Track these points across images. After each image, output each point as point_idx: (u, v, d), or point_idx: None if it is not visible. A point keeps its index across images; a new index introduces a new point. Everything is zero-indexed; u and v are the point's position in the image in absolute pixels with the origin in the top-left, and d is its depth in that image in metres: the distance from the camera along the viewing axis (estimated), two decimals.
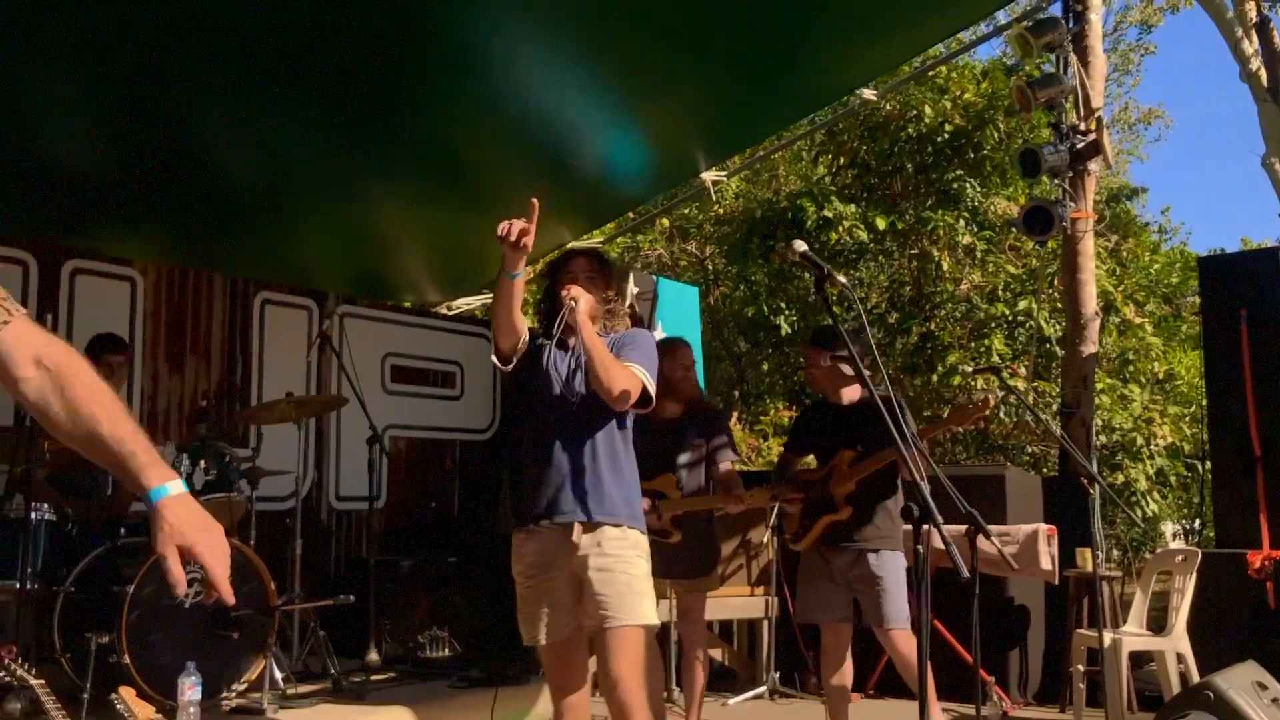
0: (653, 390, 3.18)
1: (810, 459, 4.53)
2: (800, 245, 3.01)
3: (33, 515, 4.33)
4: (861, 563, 4.14)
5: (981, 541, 2.92)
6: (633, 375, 3.11)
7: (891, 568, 4.14)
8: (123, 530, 4.69)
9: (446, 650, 5.64)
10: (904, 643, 4.08)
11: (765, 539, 6.09)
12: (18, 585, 4.24)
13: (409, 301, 8.31)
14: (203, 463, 4.63)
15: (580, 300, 3.13)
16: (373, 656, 5.19)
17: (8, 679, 3.88)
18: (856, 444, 4.20)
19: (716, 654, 6.23)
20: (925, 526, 2.66)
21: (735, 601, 6.08)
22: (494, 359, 3.19)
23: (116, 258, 5.95)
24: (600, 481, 3.12)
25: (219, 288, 6.56)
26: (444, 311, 8.46)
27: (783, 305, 11.02)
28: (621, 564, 3.07)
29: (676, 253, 13.97)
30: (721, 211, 12.86)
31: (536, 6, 4.71)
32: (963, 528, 2.89)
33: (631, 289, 7.71)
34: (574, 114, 5.87)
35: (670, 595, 4.75)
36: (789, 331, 10.83)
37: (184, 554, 1.53)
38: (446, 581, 6.01)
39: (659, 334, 7.79)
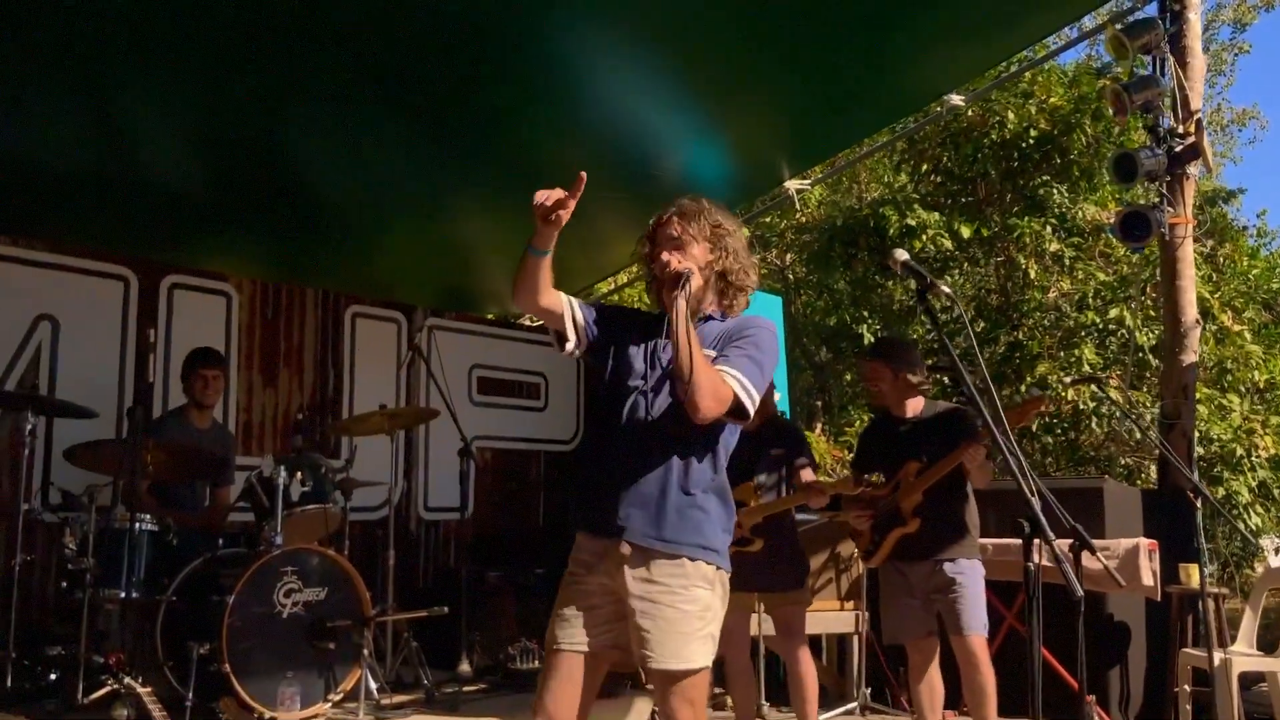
0: (751, 404, 2.63)
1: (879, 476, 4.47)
2: (902, 254, 2.97)
3: (135, 526, 4.43)
4: (938, 573, 4.10)
5: (1085, 557, 2.85)
6: (723, 386, 2.59)
7: (969, 575, 4.08)
8: (220, 541, 4.78)
9: (536, 662, 5.64)
10: (982, 650, 4.01)
11: (854, 553, 6.00)
12: (122, 594, 4.34)
13: (492, 313, 8.37)
14: (299, 474, 4.70)
15: (692, 278, 2.66)
16: (464, 667, 5.22)
17: (116, 686, 3.99)
18: (921, 455, 4.15)
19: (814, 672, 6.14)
20: (1035, 541, 2.60)
21: (824, 616, 5.99)
22: (554, 339, 2.76)
23: (212, 272, 6.09)
24: (667, 502, 2.64)
25: (311, 301, 6.67)
26: (526, 323, 8.51)
27: (865, 314, 10.89)
28: (670, 595, 2.62)
29: (756, 262, 13.88)
30: (803, 220, 12.76)
31: (622, 20, 4.71)
32: (1063, 542, 2.81)
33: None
34: (658, 124, 5.87)
35: (759, 608, 4.70)
36: (872, 341, 10.70)
37: None
38: (534, 593, 6.02)
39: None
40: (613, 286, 9.76)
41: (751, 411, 2.65)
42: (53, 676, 4.40)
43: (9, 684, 4.22)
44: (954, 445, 4.01)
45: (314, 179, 5.64)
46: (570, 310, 2.74)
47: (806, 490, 4.33)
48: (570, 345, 2.74)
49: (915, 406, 4.30)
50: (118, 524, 4.43)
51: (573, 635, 2.65)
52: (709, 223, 2.82)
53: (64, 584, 4.47)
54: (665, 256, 2.73)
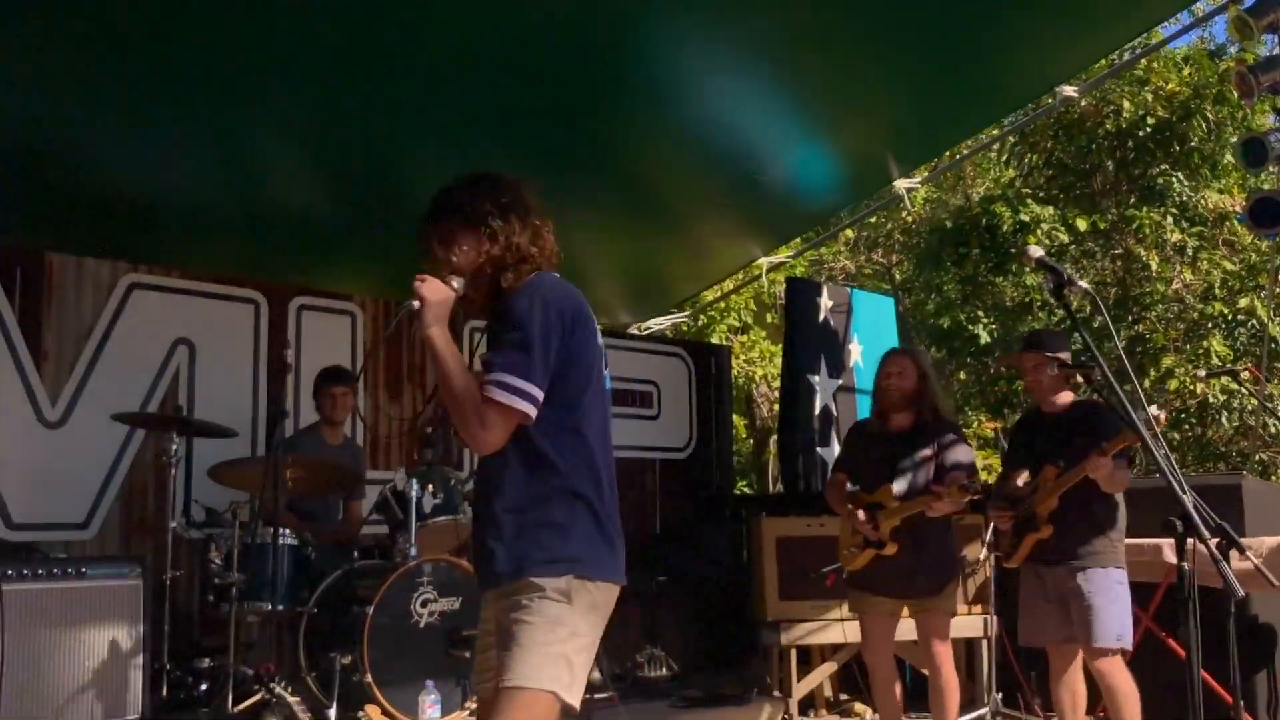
0: (523, 402, 2.33)
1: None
2: (1037, 250, 2.92)
3: (278, 540, 4.58)
4: (1071, 579, 4.01)
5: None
6: (485, 407, 2.32)
7: (1102, 585, 3.97)
8: (356, 553, 4.92)
9: (664, 669, 5.67)
10: (1109, 666, 3.89)
11: (981, 556, 5.89)
12: (267, 606, 4.49)
13: (601, 323, 8.43)
14: (430, 486, 4.81)
15: (429, 295, 2.37)
16: (595, 675, 5.25)
17: (266, 695, 4.13)
18: (1059, 459, 4.05)
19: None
20: (1190, 542, 2.53)
21: (954, 621, 5.89)
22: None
23: (338, 293, 6.26)
24: (503, 531, 2.41)
25: None
26: (635, 332, 8.57)
27: (979, 313, 10.70)
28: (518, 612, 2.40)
29: (861, 263, 13.75)
30: (910, 220, 12.61)
31: (725, 28, 4.72)
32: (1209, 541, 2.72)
33: (825, 302, 7.64)
34: (762, 130, 5.87)
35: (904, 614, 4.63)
36: (988, 340, 10.50)
37: None
38: (657, 600, 6.04)
39: (856, 349, 7.69)
40: (718, 294, 9.77)
41: (529, 408, 2.33)
42: (203, 687, 4.58)
43: (164, 694, 4.39)
44: (1094, 447, 3.92)
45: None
46: None
47: (926, 498, 4.24)
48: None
49: (1064, 400, 4.20)
50: (260, 540, 4.58)
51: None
52: (461, 215, 2.53)
53: (210, 598, 4.65)
54: (415, 283, 2.41)
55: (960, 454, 4.31)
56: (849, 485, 4.55)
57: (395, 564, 4.52)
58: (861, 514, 4.35)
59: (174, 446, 4.68)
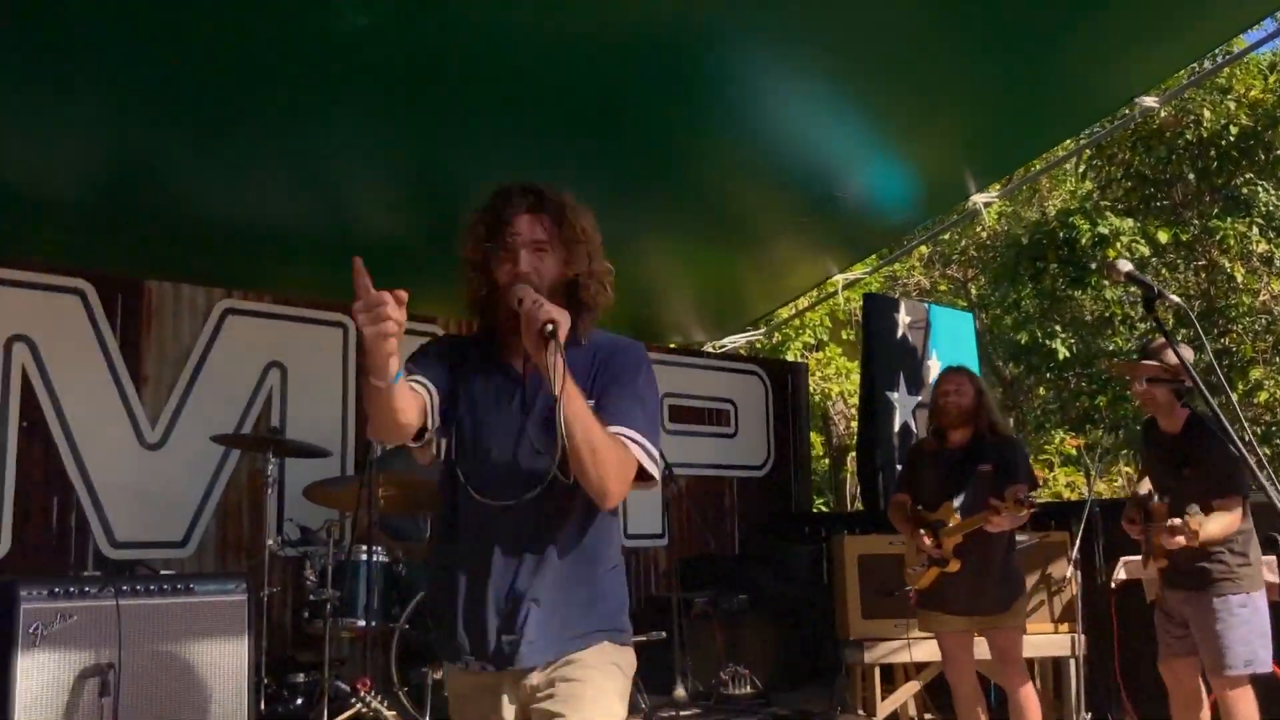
0: (657, 470, 2.11)
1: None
2: (1125, 264, 2.89)
3: (372, 557, 4.69)
4: (1192, 602, 3.90)
5: None
6: (628, 460, 2.05)
7: (1225, 610, 3.82)
8: None
9: (748, 687, 5.68)
10: (1232, 693, 3.80)
11: (1067, 573, 5.81)
12: (360, 623, 4.60)
13: (674, 342, 8.50)
14: None
15: (560, 322, 1.97)
16: (680, 692, 5.29)
17: (362, 709, 4.23)
18: (1168, 490, 3.99)
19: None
20: None
21: (1038, 639, 5.82)
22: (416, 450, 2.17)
23: (422, 315, 6.40)
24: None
25: None
26: (710, 349, 8.61)
27: (1058, 328, 10.56)
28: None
29: (936, 279, 13.65)
30: (985, 235, 12.50)
31: (799, 45, 4.76)
32: None
33: (903, 318, 7.62)
34: (838, 147, 5.89)
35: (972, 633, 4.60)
36: (1067, 355, 10.36)
37: None
38: (739, 618, 6.06)
39: (934, 365, 7.64)
40: (793, 311, 9.77)
41: (658, 477, 2.13)
42: (298, 701, 4.69)
43: (262, 708, 4.51)
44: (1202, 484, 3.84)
45: None
46: (428, 395, 2.12)
47: (986, 512, 4.15)
48: (437, 456, 2.19)
49: (1179, 418, 4.02)
50: (353, 557, 4.69)
51: None
52: (579, 226, 2.22)
53: (305, 614, 4.78)
54: (527, 267, 2.13)
55: (1020, 468, 4.28)
56: (911, 505, 4.56)
57: None
58: (923, 533, 4.36)
59: (269, 466, 4.82)
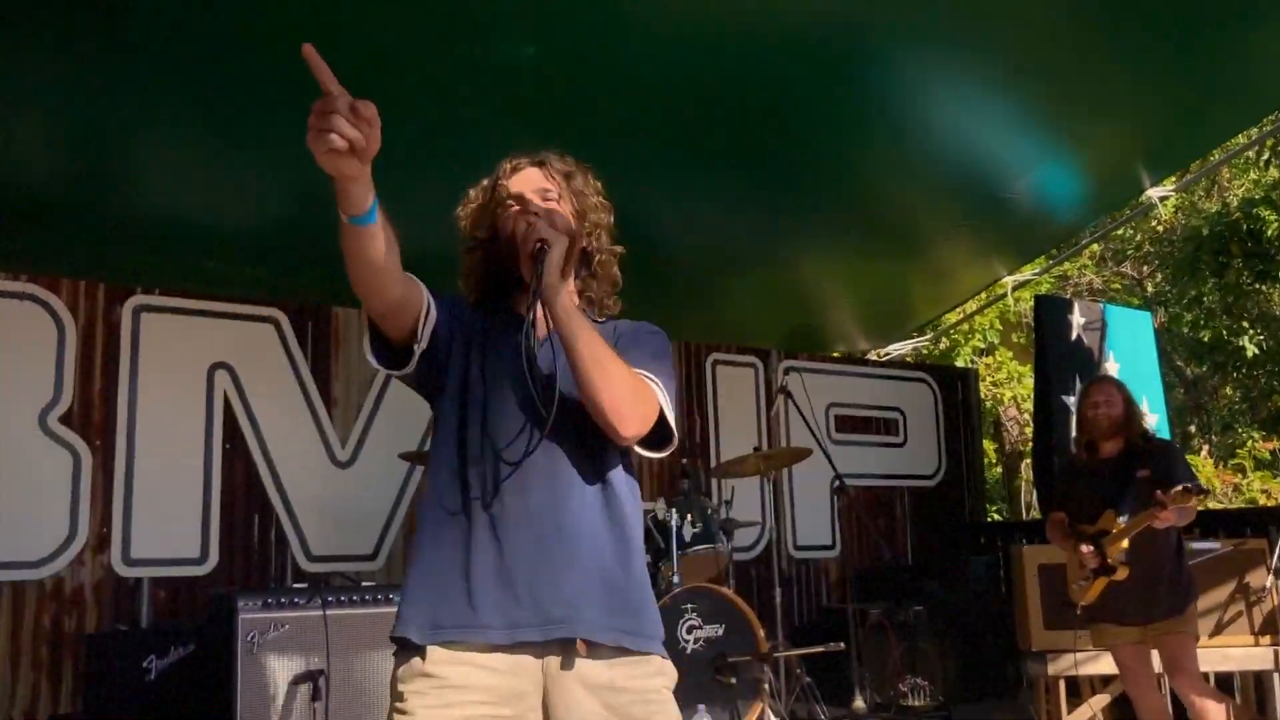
0: (675, 425, 1.91)
1: None
2: None
3: None
4: None
5: None
6: (644, 387, 1.85)
7: None
8: None
9: (927, 699, 5.60)
10: None
11: (1267, 583, 5.54)
12: None
13: (838, 351, 8.45)
14: (689, 516, 4.96)
15: (554, 245, 1.83)
16: (859, 704, 5.27)
17: None
18: None
19: (1220, 710, 5.71)
20: None
21: (1236, 652, 5.56)
22: (370, 356, 1.89)
23: None
24: (609, 572, 1.84)
25: (676, 353, 7.01)
26: (874, 358, 8.52)
27: (1245, 324, 10.03)
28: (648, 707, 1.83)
29: (1108, 277, 13.14)
30: (1161, 229, 11.97)
31: (960, 45, 4.69)
32: None
33: (1077, 319, 7.39)
34: (1005, 147, 5.77)
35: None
36: (1256, 353, 9.83)
37: None
38: (915, 629, 5.98)
39: (1113, 366, 7.38)
40: (961, 315, 9.58)
41: (675, 438, 1.91)
42: None
43: None
44: None
45: (666, 239, 5.97)
46: (428, 306, 1.88)
47: (1151, 509, 3.98)
48: (408, 368, 1.90)
49: None
50: None
51: None
52: (590, 182, 2.05)
53: None
54: (538, 206, 1.94)
55: (1179, 469, 4.16)
56: (1068, 522, 4.47)
57: (661, 591, 4.69)
58: (1085, 546, 4.25)
59: None
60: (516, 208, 1.96)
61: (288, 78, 4.16)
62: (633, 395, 1.81)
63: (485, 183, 2.06)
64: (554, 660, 1.79)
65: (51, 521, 5.00)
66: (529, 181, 1.99)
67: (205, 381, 5.47)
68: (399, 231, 1.72)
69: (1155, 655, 4.39)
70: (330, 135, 1.46)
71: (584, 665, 1.78)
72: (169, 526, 5.26)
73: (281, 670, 3.76)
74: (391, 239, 1.69)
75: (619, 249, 2.08)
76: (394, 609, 3.96)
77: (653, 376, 1.88)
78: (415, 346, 1.86)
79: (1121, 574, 4.15)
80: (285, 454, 5.61)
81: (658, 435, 1.88)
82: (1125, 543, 4.14)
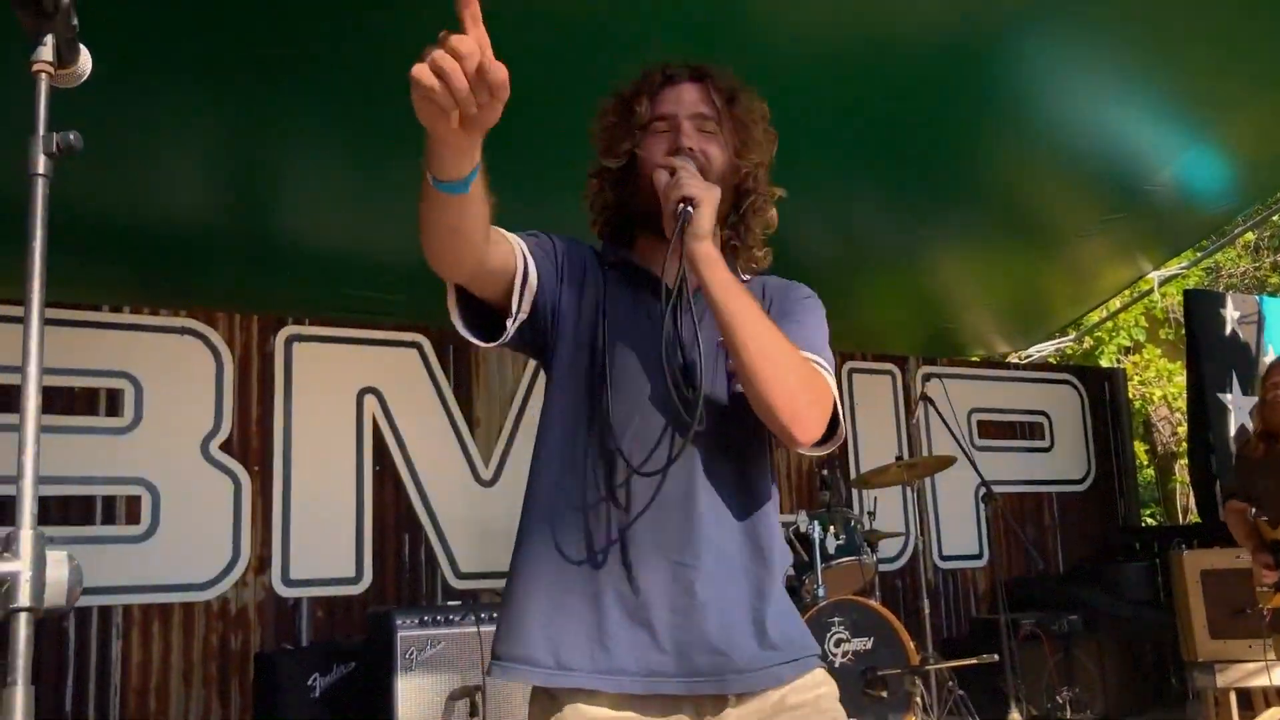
0: (840, 415, 1.58)
1: None
2: None
3: None
4: None
5: None
6: (823, 381, 1.56)
7: None
8: None
9: (1087, 712, 5.42)
10: None
11: None
12: None
13: (977, 355, 8.26)
14: (832, 527, 4.91)
15: (702, 204, 1.49)
16: (1015, 717, 5.11)
17: None
18: None
19: None
20: None
21: None
22: (460, 327, 1.57)
23: None
24: (755, 603, 1.55)
25: None
26: (1016, 360, 8.30)
27: None
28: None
29: (1264, 268, 12.53)
30: None
31: (1096, 31, 4.54)
32: None
33: (1230, 313, 7.07)
34: (1146, 137, 5.57)
35: None
36: None
37: None
38: (1071, 640, 5.79)
39: (1271, 361, 7.04)
40: (1105, 314, 9.26)
41: (843, 430, 1.60)
42: None
43: None
44: None
45: (802, 246, 5.93)
46: (525, 270, 1.56)
47: None
48: (503, 338, 1.59)
49: None
50: None
51: None
52: (756, 110, 1.67)
53: None
54: (692, 143, 1.60)
55: None
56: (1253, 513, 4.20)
57: (806, 605, 4.65)
58: (1265, 560, 4.01)
59: None
60: (665, 132, 1.60)
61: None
62: (809, 391, 1.50)
63: (626, 90, 1.67)
64: (693, 711, 1.51)
65: (216, 545, 5.24)
66: (684, 102, 1.61)
67: (355, 406, 5.66)
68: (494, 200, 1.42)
69: None
70: (434, 83, 1.13)
71: (733, 714, 1.52)
72: (324, 547, 5.46)
73: (439, 686, 3.87)
74: (484, 211, 1.39)
75: (778, 190, 1.71)
76: None
77: (821, 361, 1.58)
78: (509, 322, 1.55)
79: None
80: (432, 474, 5.77)
81: (828, 431, 1.55)
82: None
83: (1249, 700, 5.38)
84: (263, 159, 4.63)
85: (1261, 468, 4.23)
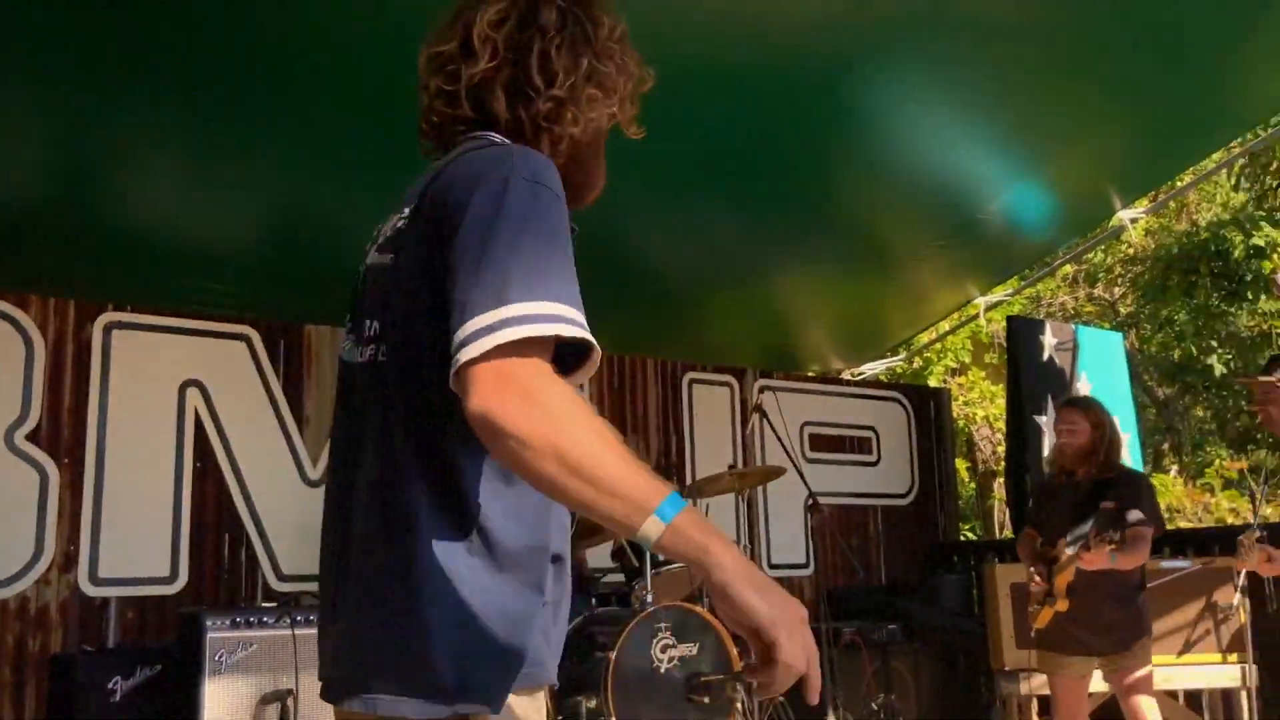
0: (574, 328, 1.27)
1: None
2: None
3: None
4: None
5: None
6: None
7: None
8: (594, 600, 5.10)
9: (900, 719, 5.60)
10: None
11: (1235, 601, 5.58)
12: None
13: (813, 370, 8.47)
14: None
15: None
16: None
17: None
18: None
19: None
20: None
21: (1206, 670, 5.59)
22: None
23: None
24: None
25: (651, 371, 7.03)
26: (848, 377, 8.55)
27: (1214, 344, 10.14)
28: None
29: (1081, 299, 13.26)
30: (1131, 251, 12.10)
31: (937, 69, 4.74)
32: None
33: (1049, 340, 7.44)
34: (978, 169, 5.83)
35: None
36: (1224, 372, 9.94)
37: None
38: (890, 648, 5.99)
39: (1084, 388, 7.43)
40: (934, 335, 9.63)
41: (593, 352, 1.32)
42: None
43: None
44: None
45: (648, 261, 5.99)
46: None
47: (1078, 550, 4.04)
48: None
49: None
50: None
51: None
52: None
53: None
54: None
55: (1140, 500, 4.17)
56: (1038, 541, 4.48)
57: (635, 610, 4.67)
58: (1032, 571, 4.30)
59: None
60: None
61: (266, 95, 4.21)
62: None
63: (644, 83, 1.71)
64: None
65: (17, 540, 4.94)
66: None
67: (176, 399, 5.42)
68: None
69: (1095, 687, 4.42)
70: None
71: None
72: (138, 545, 5.21)
73: (249, 690, 3.73)
74: None
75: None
76: None
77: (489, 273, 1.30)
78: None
79: (1061, 605, 4.19)
80: (256, 473, 5.57)
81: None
82: (1071, 574, 4.14)
83: (1048, 707, 5.66)
84: (87, 140, 4.39)
85: (1058, 493, 4.48)
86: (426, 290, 1.37)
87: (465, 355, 1.23)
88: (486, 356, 1.22)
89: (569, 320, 1.26)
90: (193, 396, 5.47)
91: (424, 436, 1.39)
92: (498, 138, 1.51)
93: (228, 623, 3.79)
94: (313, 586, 5.44)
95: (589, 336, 1.28)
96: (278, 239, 5.39)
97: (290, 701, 3.68)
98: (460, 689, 1.35)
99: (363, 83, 4.00)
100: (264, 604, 4.20)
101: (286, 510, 5.60)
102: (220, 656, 3.71)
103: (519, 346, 1.23)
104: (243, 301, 5.73)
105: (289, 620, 3.86)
